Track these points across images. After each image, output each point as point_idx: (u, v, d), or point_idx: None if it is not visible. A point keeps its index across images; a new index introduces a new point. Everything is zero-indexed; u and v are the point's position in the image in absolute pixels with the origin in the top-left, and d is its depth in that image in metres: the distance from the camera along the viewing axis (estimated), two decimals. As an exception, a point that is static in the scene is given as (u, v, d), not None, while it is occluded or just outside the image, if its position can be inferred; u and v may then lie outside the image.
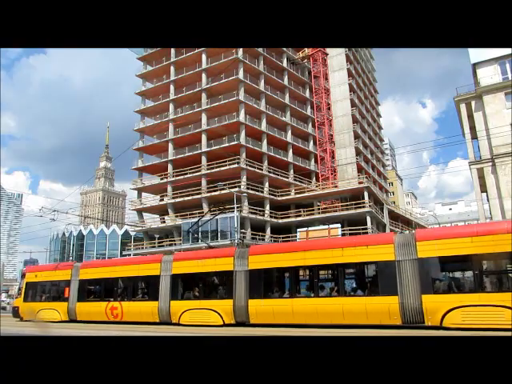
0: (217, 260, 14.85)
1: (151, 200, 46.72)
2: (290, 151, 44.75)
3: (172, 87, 44.75)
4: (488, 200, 31.57)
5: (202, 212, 38.48)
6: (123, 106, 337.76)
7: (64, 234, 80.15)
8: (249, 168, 38.66)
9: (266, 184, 39.99)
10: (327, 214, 37.48)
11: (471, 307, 10.44)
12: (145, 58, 48.36)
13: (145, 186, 45.97)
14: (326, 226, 29.95)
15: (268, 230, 38.49)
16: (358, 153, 50.79)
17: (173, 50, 44.86)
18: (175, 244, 38.78)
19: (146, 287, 16.47)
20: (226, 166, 38.03)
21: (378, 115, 69.73)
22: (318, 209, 40.22)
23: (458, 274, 11.82)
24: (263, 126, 42.12)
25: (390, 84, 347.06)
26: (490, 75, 30.33)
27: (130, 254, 44.60)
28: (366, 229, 33.80)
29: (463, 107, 32.18)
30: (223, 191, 35.49)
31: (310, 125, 49.00)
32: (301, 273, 14.03)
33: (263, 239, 37.33)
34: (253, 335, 10.73)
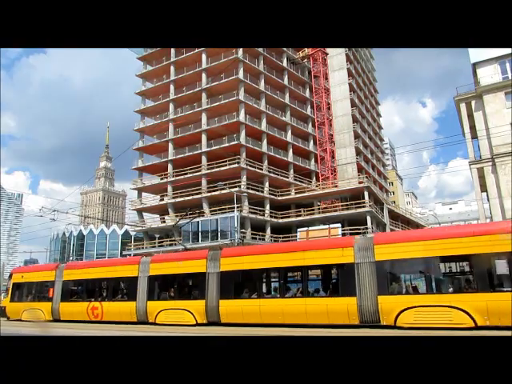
0: (191, 262, 15.47)
1: (151, 200, 46.73)
2: (290, 151, 44.75)
3: (172, 87, 44.75)
4: (488, 199, 31.56)
5: (203, 212, 38.54)
6: (123, 106, 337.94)
7: (64, 233, 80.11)
8: (249, 168, 38.65)
9: (266, 184, 39.98)
10: (327, 214, 37.47)
11: (422, 307, 11.00)
12: (145, 57, 48.36)
13: (145, 185, 45.97)
14: (327, 226, 29.93)
15: (268, 230, 38.49)
16: (358, 152, 50.77)
17: (173, 50, 44.85)
18: (175, 244, 38.79)
19: (125, 288, 16.96)
20: (226, 165, 38.03)
21: (378, 115, 69.72)
22: (318, 209, 40.22)
23: (411, 276, 12.30)
24: (263, 126, 42.12)
25: (389, 84, 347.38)
26: (490, 75, 30.33)
27: (130, 254, 44.59)
28: (367, 228, 33.78)
29: (463, 107, 32.17)
30: (223, 191, 35.50)
31: (310, 124, 49.00)
32: (268, 274, 14.54)
33: (263, 239, 37.33)
34: (254, 335, 10.74)
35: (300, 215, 39.00)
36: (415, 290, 11.75)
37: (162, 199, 43.82)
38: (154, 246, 41.62)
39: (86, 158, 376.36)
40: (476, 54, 30.83)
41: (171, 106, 44.06)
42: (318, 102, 47.95)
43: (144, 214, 46.03)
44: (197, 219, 37.28)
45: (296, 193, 41.44)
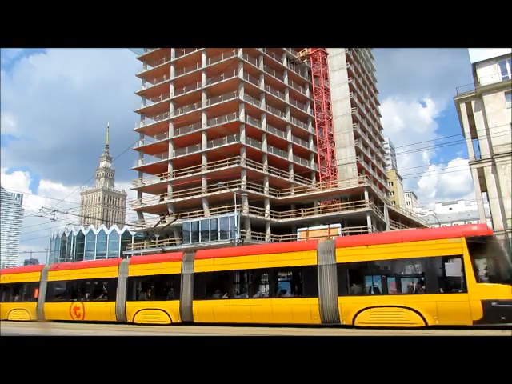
0: (167, 264, 16.09)
1: (151, 200, 46.71)
2: (290, 151, 44.74)
3: (172, 87, 44.74)
4: (488, 199, 31.56)
5: (203, 212, 38.53)
6: (123, 106, 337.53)
7: (64, 233, 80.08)
8: (249, 168, 38.65)
9: (266, 184, 39.98)
10: (327, 214, 37.46)
11: (377, 308, 11.62)
12: (145, 57, 48.35)
13: (145, 185, 45.96)
14: (326, 226, 29.93)
15: (268, 230, 38.49)
16: (358, 152, 50.76)
17: (173, 50, 44.83)
18: (175, 244, 38.80)
19: (106, 289, 17.59)
20: (226, 165, 38.01)
21: (378, 115, 69.71)
22: (318, 209, 40.21)
23: (369, 278, 12.79)
24: (263, 126, 42.11)
25: (389, 84, 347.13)
26: (490, 75, 30.33)
27: (130, 254, 44.58)
28: (366, 228, 33.80)
29: (463, 107, 32.17)
30: (223, 191, 35.49)
31: (310, 124, 48.99)
32: (238, 276, 15.15)
33: (263, 239, 37.33)
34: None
35: (300, 215, 39.00)
36: (372, 292, 12.31)
37: (162, 199, 43.81)
38: (153, 246, 41.60)
39: (86, 158, 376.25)
40: (476, 53, 30.83)
41: (171, 106, 44.06)
42: (317, 102, 47.95)
43: (144, 214, 46.03)
44: (196, 219, 37.33)
45: (296, 193, 41.43)
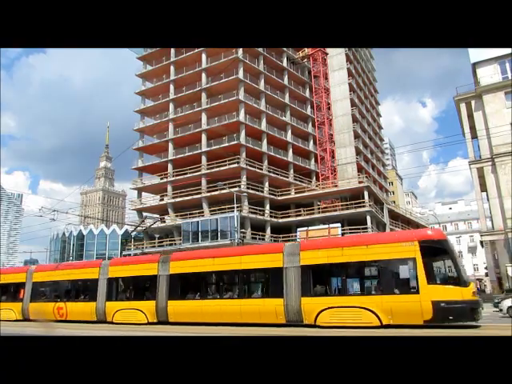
0: (145, 265, 16.75)
1: (151, 200, 46.69)
2: (290, 151, 44.72)
3: (172, 87, 44.71)
4: (488, 199, 31.59)
5: (203, 212, 38.52)
6: (123, 106, 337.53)
7: (64, 233, 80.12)
8: (249, 168, 38.63)
9: (266, 184, 39.96)
10: (327, 214, 37.46)
11: (337, 308, 12.23)
12: (145, 57, 48.33)
13: (145, 185, 45.94)
14: (326, 226, 29.97)
15: (268, 230, 38.48)
16: (358, 152, 50.75)
17: (173, 50, 44.80)
18: (175, 244, 38.79)
19: (87, 289, 18.20)
20: (225, 165, 37.99)
21: (378, 115, 69.70)
22: (318, 208, 40.20)
23: (330, 280, 13.31)
24: (263, 126, 42.09)
25: (389, 83, 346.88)
26: (489, 74, 30.35)
27: (129, 254, 44.59)
28: (366, 228, 33.80)
29: (463, 107, 32.20)
30: (223, 191, 35.47)
31: (310, 124, 48.97)
32: (210, 277, 15.75)
33: (263, 239, 37.32)
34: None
35: (300, 215, 38.99)
36: (333, 293, 12.88)
37: (162, 199, 43.79)
38: (153, 246, 41.60)
39: (86, 158, 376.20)
40: (476, 53, 30.85)
41: (171, 106, 44.04)
42: (317, 102, 47.93)
43: (144, 213, 46.02)
44: (196, 219, 37.33)
45: (296, 192, 41.42)
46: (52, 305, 18.21)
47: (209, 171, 39.26)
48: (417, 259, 11.38)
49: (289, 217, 39.71)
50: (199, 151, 40.66)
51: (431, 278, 11.29)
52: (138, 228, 34.38)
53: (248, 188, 37.51)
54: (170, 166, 42.48)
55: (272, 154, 42.05)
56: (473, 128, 31.33)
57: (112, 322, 16.58)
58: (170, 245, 39.00)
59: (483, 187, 31.07)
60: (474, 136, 31.46)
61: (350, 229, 33.28)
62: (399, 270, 11.78)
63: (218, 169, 38.46)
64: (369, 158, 56.27)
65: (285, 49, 46.55)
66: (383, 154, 73.41)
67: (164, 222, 43.29)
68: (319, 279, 13.20)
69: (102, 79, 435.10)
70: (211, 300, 14.86)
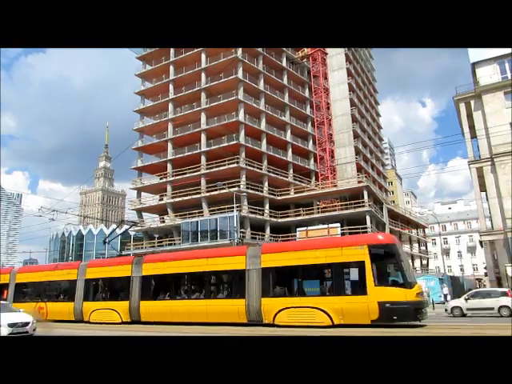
0: (119, 267, 17.45)
1: (151, 200, 46.67)
2: (290, 151, 44.70)
3: (171, 87, 44.68)
4: (487, 199, 31.61)
5: (202, 212, 38.52)
6: (123, 106, 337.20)
7: (63, 233, 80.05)
8: (248, 167, 38.62)
9: (266, 183, 39.95)
10: (327, 214, 37.47)
11: (294, 308, 12.86)
12: (144, 57, 48.29)
13: (144, 185, 45.91)
14: (326, 226, 29.91)
15: (267, 230, 38.48)
16: (358, 152, 50.75)
17: (172, 50, 44.75)
18: (174, 244, 38.79)
19: (67, 290, 18.93)
20: (225, 165, 37.98)
21: (378, 114, 69.69)
22: (318, 208, 40.20)
23: (287, 281, 13.94)
24: (262, 126, 42.08)
25: (389, 83, 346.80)
26: (489, 74, 30.37)
27: (129, 254, 44.57)
28: (366, 228, 33.81)
29: (462, 106, 32.21)
30: (223, 191, 35.46)
31: (310, 124, 48.96)
32: (179, 279, 16.30)
33: (263, 239, 37.31)
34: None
35: (299, 215, 38.99)
36: (290, 294, 13.48)
37: (162, 199, 43.78)
38: (153, 246, 41.59)
39: (86, 158, 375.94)
40: (475, 53, 30.86)
41: (170, 106, 44.01)
42: (317, 102, 47.93)
43: (143, 213, 46.00)
44: (195, 219, 37.31)
45: (295, 192, 41.42)
46: (34, 305, 18.88)
47: (208, 171, 39.25)
48: (366, 262, 12.04)
49: (288, 217, 39.71)
50: (198, 151, 40.64)
51: (378, 280, 11.94)
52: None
53: (247, 188, 37.50)
54: (169, 166, 42.46)
55: (271, 153, 42.04)
56: (472, 128, 31.35)
57: (89, 322, 17.26)
58: (170, 245, 39.00)
59: (483, 187, 31.09)
60: (474, 136, 31.48)
61: (349, 229, 33.28)
62: (350, 273, 12.46)
63: (217, 169, 38.44)
64: (368, 158, 56.28)
65: (284, 49, 46.51)
66: (383, 153, 73.43)
67: (163, 221, 43.30)
68: (278, 281, 13.86)
69: (102, 79, 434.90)
70: (180, 300, 15.44)
